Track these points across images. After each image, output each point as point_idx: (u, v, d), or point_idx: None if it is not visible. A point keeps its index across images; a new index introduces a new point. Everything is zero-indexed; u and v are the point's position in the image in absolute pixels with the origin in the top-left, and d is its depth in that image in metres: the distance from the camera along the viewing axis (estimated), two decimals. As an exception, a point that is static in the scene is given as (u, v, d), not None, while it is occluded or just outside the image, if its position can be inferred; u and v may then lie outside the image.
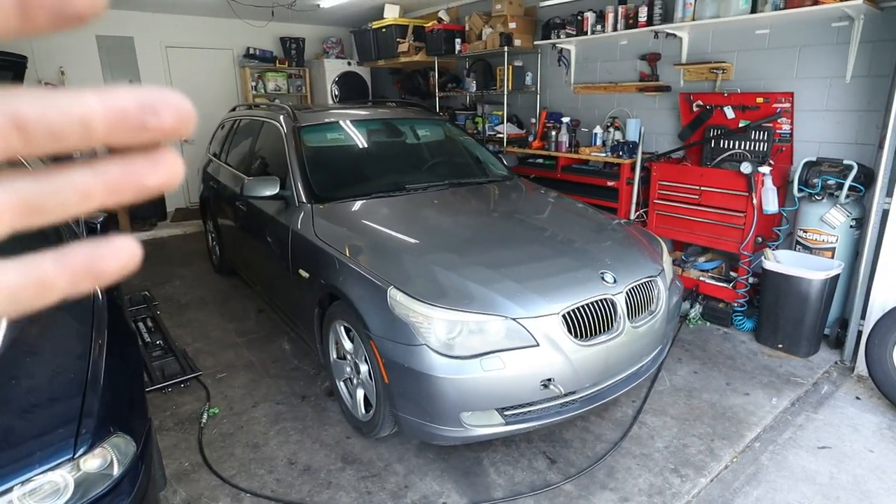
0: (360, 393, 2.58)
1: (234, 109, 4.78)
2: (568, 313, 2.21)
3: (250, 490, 2.32)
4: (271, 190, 3.14)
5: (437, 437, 2.21)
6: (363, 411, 2.58)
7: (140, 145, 0.22)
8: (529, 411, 2.24)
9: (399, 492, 2.30)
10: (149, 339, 3.61)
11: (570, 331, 2.20)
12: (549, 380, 2.15)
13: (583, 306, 2.26)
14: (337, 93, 7.45)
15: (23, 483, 1.47)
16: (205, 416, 2.82)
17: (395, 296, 2.19)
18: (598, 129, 4.82)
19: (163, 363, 3.29)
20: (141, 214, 6.31)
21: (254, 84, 7.29)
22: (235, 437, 2.67)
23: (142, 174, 0.22)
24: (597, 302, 2.29)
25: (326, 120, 3.81)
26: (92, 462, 1.62)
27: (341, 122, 3.79)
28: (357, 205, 3.07)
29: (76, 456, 1.56)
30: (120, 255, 0.23)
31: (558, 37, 4.99)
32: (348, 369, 2.66)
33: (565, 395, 2.22)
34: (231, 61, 7.29)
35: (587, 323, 2.26)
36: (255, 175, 3.70)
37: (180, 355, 3.37)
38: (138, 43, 6.57)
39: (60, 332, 2.02)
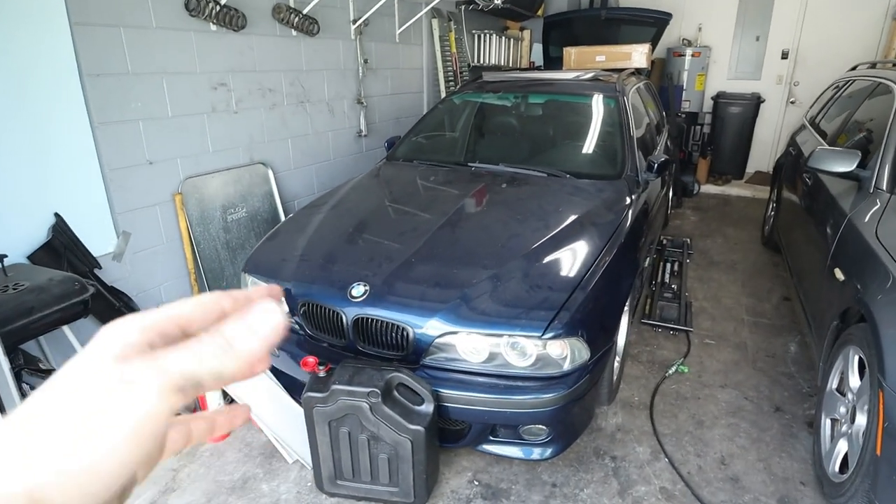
0: (841, 444, 1.88)
1: (853, 68, 3.84)
2: None
3: (671, 457, 2.15)
4: (845, 165, 2.45)
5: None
6: (835, 469, 1.89)
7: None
8: None
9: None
10: (666, 280, 3.68)
11: None
12: None
13: None
14: None
15: (510, 336, 1.83)
16: (674, 368, 2.72)
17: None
18: None
19: (666, 305, 3.32)
20: (719, 169, 6.18)
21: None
22: (688, 403, 2.48)
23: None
24: None
25: None
26: (553, 348, 1.83)
27: None
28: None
29: (542, 336, 1.79)
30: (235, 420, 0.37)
31: None
32: (843, 410, 1.96)
33: None
34: (881, 15, 5.70)
35: None
36: (838, 146, 2.95)
37: (683, 306, 3.30)
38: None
39: (586, 236, 2.27)
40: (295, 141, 3.50)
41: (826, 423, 2.08)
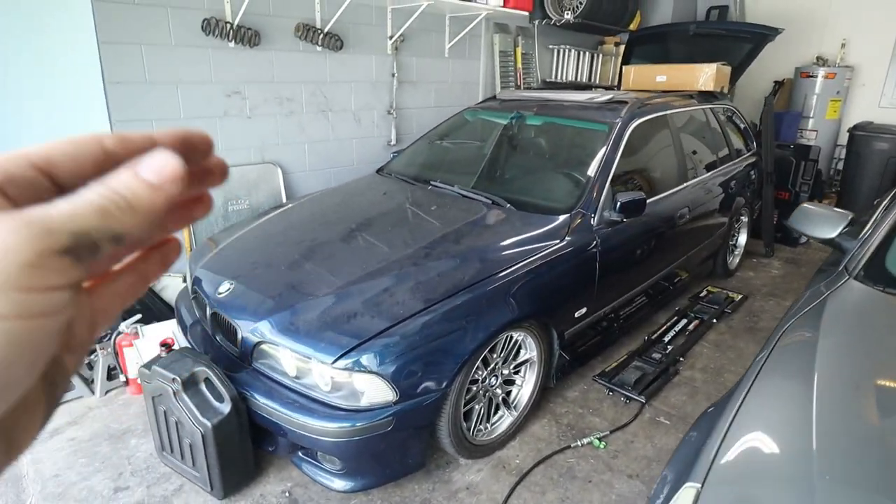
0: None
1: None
2: None
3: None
4: (825, 230, 1.78)
5: None
6: None
7: None
8: None
9: None
10: (666, 340, 3.03)
11: None
12: None
13: None
14: None
15: (311, 357, 1.75)
16: (587, 440, 2.26)
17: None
18: None
19: (639, 367, 2.75)
20: (846, 216, 4.82)
21: None
22: (572, 483, 2.04)
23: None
24: None
25: None
26: (357, 380, 1.73)
27: None
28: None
29: (332, 364, 1.71)
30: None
31: None
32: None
33: None
34: None
35: None
36: None
37: (658, 374, 2.69)
38: None
39: (455, 273, 2.02)
40: (313, 146, 3.68)
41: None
